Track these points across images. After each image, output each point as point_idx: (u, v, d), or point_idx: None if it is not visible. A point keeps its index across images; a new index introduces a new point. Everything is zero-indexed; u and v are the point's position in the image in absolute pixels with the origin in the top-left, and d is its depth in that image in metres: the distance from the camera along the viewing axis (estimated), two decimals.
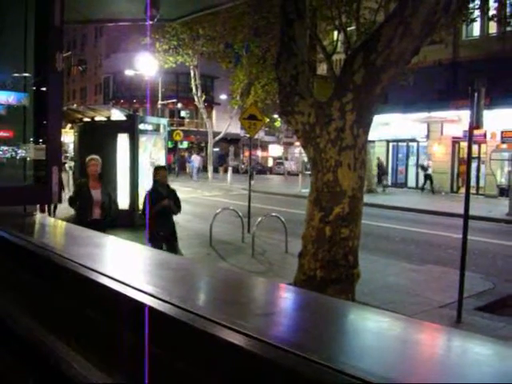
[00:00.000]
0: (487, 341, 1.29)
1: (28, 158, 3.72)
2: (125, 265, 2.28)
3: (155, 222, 8.90)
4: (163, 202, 9.13)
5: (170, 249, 9.39)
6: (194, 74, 38.17)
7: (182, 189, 23.68)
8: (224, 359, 1.26)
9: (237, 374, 1.24)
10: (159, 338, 1.47)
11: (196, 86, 38.45)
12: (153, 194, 9.22)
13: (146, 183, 16.79)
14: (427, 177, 31.86)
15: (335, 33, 25.52)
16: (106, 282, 1.78)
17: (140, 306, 1.51)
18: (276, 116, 46.03)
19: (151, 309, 1.48)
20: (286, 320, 1.56)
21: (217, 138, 42.16)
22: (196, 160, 46.49)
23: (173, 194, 9.50)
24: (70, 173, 23.41)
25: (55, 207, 16.01)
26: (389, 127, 32.53)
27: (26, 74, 3.67)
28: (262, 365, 1.16)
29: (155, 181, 9.54)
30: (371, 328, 1.48)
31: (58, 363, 1.93)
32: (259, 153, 66.67)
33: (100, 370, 1.73)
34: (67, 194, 19.87)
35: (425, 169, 32.00)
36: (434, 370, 1.16)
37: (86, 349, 1.89)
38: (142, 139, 16.93)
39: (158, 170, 9.77)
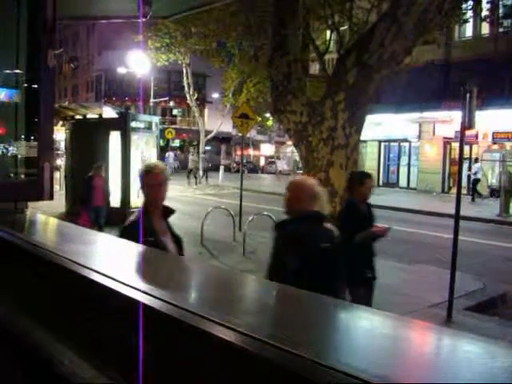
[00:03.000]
0: (477, 340, 1.30)
1: (19, 155, 3.71)
2: (117, 262, 2.27)
3: (357, 255, 5.86)
4: (377, 229, 6.20)
5: (366, 297, 6.21)
6: (186, 72, 38.08)
7: (173, 187, 23.64)
8: (217, 356, 1.27)
9: (229, 370, 1.24)
10: (152, 334, 1.47)
11: (188, 84, 38.38)
12: (350, 214, 6.24)
13: (137, 181, 16.79)
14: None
15: (328, 32, 25.53)
16: (98, 279, 1.78)
17: (133, 302, 1.51)
18: (268, 115, 46.03)
19: (144, 306, 1.48)
20: (278, 317, 1.57)
21: (209, 137, 42.09)
22: (170, 157, 42.98)
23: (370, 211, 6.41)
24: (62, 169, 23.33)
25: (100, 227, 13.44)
26: (381, 127, 32.60)
27: (18, 71, 3.66)
28: (254, 361, 1.16)
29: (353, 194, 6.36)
30: (362, 326, 1.48)
31: (48, 359, 1.93)
32: (251, 152, 66.63)
33: (92, 367, 1.73)
34: (58, 191, 19.87)
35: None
36: (425, 367, 1.16)
37: (78, 345, 1.88)
38: (134, 137, 16.92)
39: (364, 178, 6.35)
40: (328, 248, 4.12)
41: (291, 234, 4.14)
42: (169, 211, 4.22)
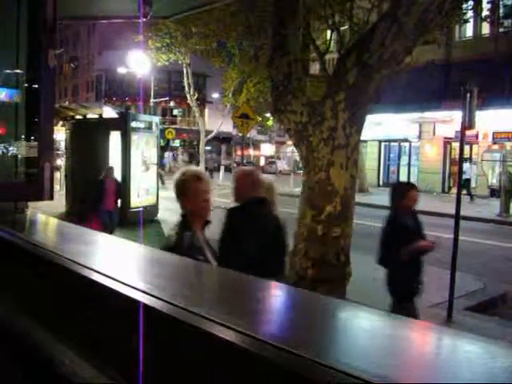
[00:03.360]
0: (477, 340, 1.30)
1: (20, 155, 3.71)
2: (118, 262, 2.27)
3: (406, 271, 5.79)
4: (424, 243, 5.92)
5: (415, 310, 6.08)
6: (187, 72, 38.04)
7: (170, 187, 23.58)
8: (217, 356, 1.26)
9: (229, 370, 1.24)
10: (152, 334, 1.47)
11: (188, 84, 38.34)
12: (393, 229, 5.96)
13: (137, 181, 16.80)
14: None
15: (328, 32, 25.52)
16: (98, 279, 1.78)
17: (133, 302, 1.51)
18: (268, 115, 45.98)
19: (145, 306, 1.48)
20: (278, 318, 1.56)
21: (209, 137, 42.06)
22: (169, 157, 42.54)
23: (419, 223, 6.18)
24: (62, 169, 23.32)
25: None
26: (381, 127, 32.57)
27: (18, 71, 3.66)
28: (254, 361, 1.16)
29: (397, 206, 6.07)
30: (362, 326, 1.48)
31: (48, 358, 1.93)
32: (251, 152, 66.61)
33: (92, 367, 1.73)
34: (59, 191, 19.84)
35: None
36: (425, 367, 1.16)
37: (78, 345, 1.88)
38: (134, 137, 16.92)
39: (407, 189, 6.14)
40: (271, 230, 4.54)
41: (239, 219, 4.67)
42: (207, 222, 3.86)
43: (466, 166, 28.23)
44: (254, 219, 4.54)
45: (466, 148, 28.30)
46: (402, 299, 5.86)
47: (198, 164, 38.22)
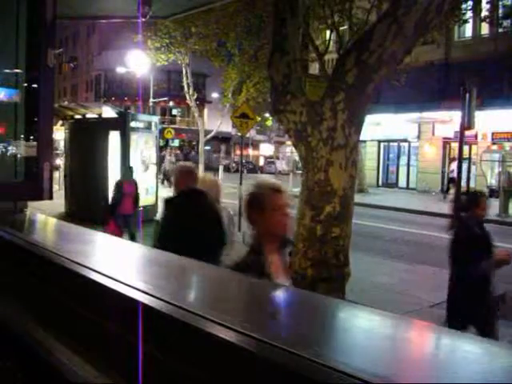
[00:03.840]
0: (477, 339, 1.30)
1: (19, 155, 3.71)
2: (117, 261, 2.27)
3: (482, 285, 5.36)
4: (501, 254, 5.46)
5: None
6: (186, 72, 37.99)
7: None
8: (216, 355, 1.27)
9: (228, 370, 1.24)
10: (152, 334, 1.47)
11: (188, 84, 38.29)
12: (471, 239, 5.51)
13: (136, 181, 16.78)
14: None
15: (327, 32, 25.51)
16: (98, 279, 1.78)
17: (133, 302, 1.51)
18: (267, 115, 46.00)
19: (144, 305, 1.48)
20: (278, 318, 1.56)
21: (208, 137, 41.98)
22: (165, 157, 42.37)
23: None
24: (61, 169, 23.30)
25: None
26: (380, 127, 32.57)
27: (18, 70, 3.66)
28: (253, 361, 1.16)
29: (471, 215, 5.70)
30: (362, 326, 1.48)
31: (48, 359, 1.93)
32: (250, 151, 66.60)
33: (92, 367, 1.73)
34: (58, 191, 19.82)
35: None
36: (424, 367, 1.16)
37: (79, 345, 1.88)
38: (134, 137, 16.90)
39: (479, 198, 5.90)
40: (207, 218, 5.03)
41: (174, 207, 5.16)
42: (286, 241, 3.26)
43: (453, 165, 28.61)
44: (189, 208, 5.05)
45: (465, 148, 28.28)
46: (483, 318, 5.37)
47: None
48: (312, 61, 27.89)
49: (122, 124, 16.57)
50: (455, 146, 27.78)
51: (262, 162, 65.66)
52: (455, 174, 28.11)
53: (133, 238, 11.71)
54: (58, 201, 17.01)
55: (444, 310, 8.21)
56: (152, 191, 17.64)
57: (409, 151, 35.46)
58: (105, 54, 63.22)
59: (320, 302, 1.80)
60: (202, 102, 60.61)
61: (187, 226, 4.83)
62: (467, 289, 5.48)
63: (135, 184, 12.34)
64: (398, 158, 36.48)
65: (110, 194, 12.82)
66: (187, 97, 39.06)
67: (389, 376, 1.05)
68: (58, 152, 25.63)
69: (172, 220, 5.14)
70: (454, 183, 28.28)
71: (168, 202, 5.31)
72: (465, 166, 27.97)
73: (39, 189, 3.29)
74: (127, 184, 11.97)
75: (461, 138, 8.59)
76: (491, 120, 25.86)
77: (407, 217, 21.09)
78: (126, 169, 12.67)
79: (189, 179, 5.25)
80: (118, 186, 11.95)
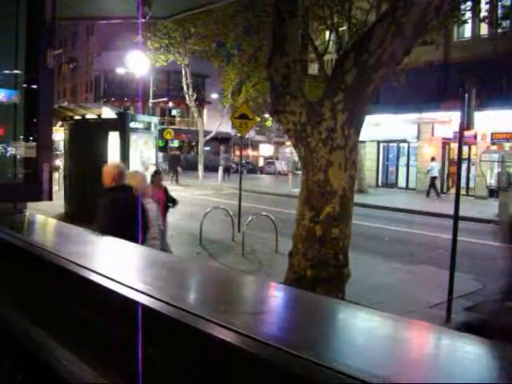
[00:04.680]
0: (476, 340, 1.30)
1: (18, 156, 3.71)
2: (116, 263, 2.27)
3: None
4: None
5: None
6: (186, 73, 38.04)
7: (172, 187, 23.63)
8: (215, 356, 1.27)
9: (228, 370, 1.24)
10: (151, 335, 1.47)
11: (187, 84, 38.33)
12: None
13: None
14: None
15: (327, 33, 25.53)
16: (97, 280, 1.78)
17: (133, 303, 1.51)
18: (267, 115, 45.98)
19: (144, 306, 1.48)
20: (277, 318, 1.57)
21: (208, 137, 42.05)
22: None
23: None
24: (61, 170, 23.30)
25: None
26: (380, 128, 32.57)
27: (17, 71, 3.66)
28: (252, 362, 1.16)
29: None
30: (361, 326, 1.48)
31: (48, 360, 1.93)
32: (250, 152, 66.62)
33: (92, 368, 1.73)
34: (57, 192, 19.82)
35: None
36: (423, 368, 1.16)
37: (78, 346, 1.88)
38: (133, 137, 16.90)
39: None
40: (132, 210, 5.51)
41: (106, 199, 5.89)
42: None
43: (432, 164, 29.16)
44: (116, 201, 5.78)
45: (465, 149, 28.39)
46: None
47: (174, 168, 37.56)
48: (311, 61, 27.90)
49: (121, 125, 16.57)
50: (454, 146, 27.84)
51: (261, 162, 65.68)
52: (435, 173, 29.07)
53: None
54: (58, 202, 17.01)
55: (444, 310, 8.23)
56: None
57: (408, 152, 35.48)
58: (104, 54, 63.22)
59: (320, 302, 1.80)
60: (202, 102, 60.65)
61: (119, 215, 5.52)
62: None
63: (165, 190, 10.32)
64: (398, 158, 36.49)
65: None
66: (187, 97, 39.11)
67: (389, 376, 1.05)
68: (57, 153, 25.64)
69: (108, 209, 5.87)
70: (434, 183, 29.09)
71: (103, 194, 6.00)
72: (464, 166, 28.13)
73: (39, 190, 3.29)
74: (156, 190, 9.79)
75: (460, 139, 8.59)
76: (490, 120, 25.87)
77: (407, 217, 21.09)
78: (155, 172, 10.60)
79: (117, 176, 5.96)
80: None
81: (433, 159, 30.19)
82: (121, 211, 5.65)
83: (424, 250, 14.06)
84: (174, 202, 10.34)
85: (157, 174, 10.39)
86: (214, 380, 1.28)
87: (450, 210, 9.80)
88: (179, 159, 40.43)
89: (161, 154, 44.17)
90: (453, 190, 26.98)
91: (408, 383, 1.03)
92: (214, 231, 14.55)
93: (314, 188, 7.05)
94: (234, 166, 54.77)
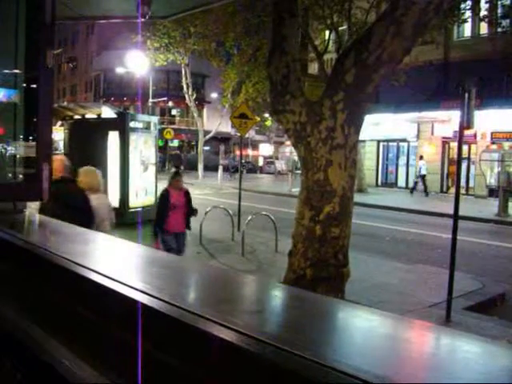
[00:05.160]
0: (476, 339, 1.30)
1: (18, 155, 3.71)
2: (116, 262, 2.27)
3: None
4: None
5: None
6: (185, 73, 38.06)
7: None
8: (215, 355, 1.26)
9: (228, 369, 1.24)
10: (151, 334, 1.47)
11: (187, 84, 38.36)
12: None
13: (136, 181, 16.79)
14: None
15: (327, 32, 25.54)
16: (97, 279, 1.78)
17: (132, 302, 1.51)
18: (267, 115, 46.01)
19: (143, 306, 1.48)
20: (276, 317, 1.57)
21: (207, 137, 42.08)
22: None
23: None
24: None
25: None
26: (379, 127, 32.60)
27: (17, 71, 3.65)
28: (252, 361, 1.16)
29: None
30: (361, 326, 1.48)
31: (47, 360, 1.93)
32: (250, 152, 66.62)
33: (92, 367, 1.73)
34: None
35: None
36: (423, 367, 1.16)
37: (78, 346, 1.88)
38: (133, 137, 16.89)
39: None
40: (77, 202, 6.30)
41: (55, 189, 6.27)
42: None
43: (420, 162, 30.65)
44: (60, 193, 5.91)
45: (465, 148, 28.43)
46: None
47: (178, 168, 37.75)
48: (311, 61, 27.94)
49: (121, 124, 16.57)
50: (454, 145, 27.87)
51: (261, 162, 65.68)
52: (424, 171, 30.07)
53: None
54: None
55: (444, 309, 8.24)
56: (151, 191, 17.62)
57: (408, 151, 35.49)
58: (104, 54, 63.24)
59: (319, 302, 1.80)
60: (202, 102, 60.68)
61: (63, 206, 5.78)
62: None
63: (186, 193, 9.57)
64: (398, 157, 36.51)
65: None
66: (186, 97, 39.14)
67: (389, 376, 1.04)
68: (57, 152, 25.61)
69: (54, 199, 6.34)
70: (423, 181, 29.81)
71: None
72: (464, 165, 28.14)
73: (38, 189, 3.29)
74: (175, 193, 9.30)
75: (460, 138, 8.59)
76: (490, 120, 25.90)
77: (406, 216, 21.10)
78: (174, 174, 9.81)
79: (60, 169, 6.44)
80: (164, 196, 9.38)
81: (421, 158, 31.16)
82: (62, 201, 5.98)
83: (424, 249, 14.07)
84: (193, 211, 9.54)
85: (176, 176, 9.62)
86: (214, 379, 1.28)
87: (449, 209, 9.80)
88: (180, 157, 40.65)
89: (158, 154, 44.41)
90: (453, 190, 27.00)
91: (408, 383, 1.03)
92: (214, 230, 14.56)
93: (314, 187, 7.05)
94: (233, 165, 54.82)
